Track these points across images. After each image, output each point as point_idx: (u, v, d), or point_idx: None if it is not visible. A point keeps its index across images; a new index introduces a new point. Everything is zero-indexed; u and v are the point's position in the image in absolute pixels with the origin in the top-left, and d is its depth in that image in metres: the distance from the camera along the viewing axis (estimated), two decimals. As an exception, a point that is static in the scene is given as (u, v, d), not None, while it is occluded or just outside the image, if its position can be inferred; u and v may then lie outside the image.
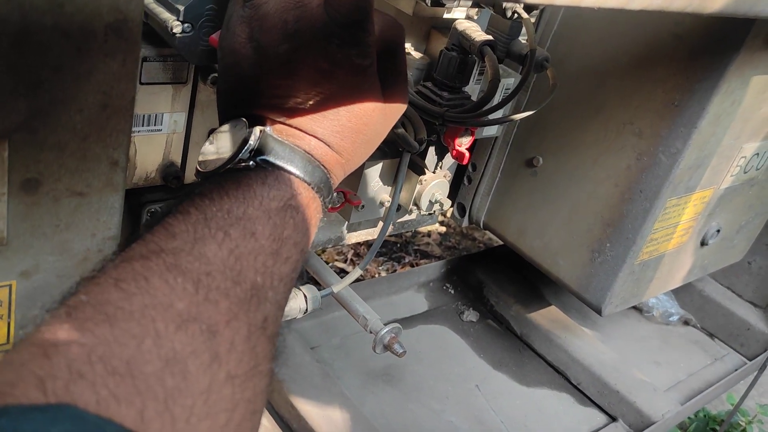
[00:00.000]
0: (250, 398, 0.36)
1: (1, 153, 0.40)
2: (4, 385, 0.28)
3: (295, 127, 0.47)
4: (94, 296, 0.34)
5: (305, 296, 0.74)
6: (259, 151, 0.45)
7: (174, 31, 0.57)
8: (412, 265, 2.14)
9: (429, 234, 2.29)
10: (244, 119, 0.48)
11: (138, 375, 0.31)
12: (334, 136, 0.47)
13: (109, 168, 0.47)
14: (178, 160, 0.72)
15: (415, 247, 2.22)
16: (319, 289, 0.82)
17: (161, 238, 0.38)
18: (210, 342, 0.34)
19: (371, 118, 0.49)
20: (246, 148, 0.45)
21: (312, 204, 0.46)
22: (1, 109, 0.39)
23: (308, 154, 0.47)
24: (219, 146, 0.47)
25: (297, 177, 0.45)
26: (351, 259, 2.11)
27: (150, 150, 0.69)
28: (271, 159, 0.45)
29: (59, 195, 0.45)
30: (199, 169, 0.47)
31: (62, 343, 0.31)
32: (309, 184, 0.46)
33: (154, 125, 0.67)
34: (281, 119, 0.47)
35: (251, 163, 0.45)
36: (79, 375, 0.29)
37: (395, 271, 2.09)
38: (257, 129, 0.46)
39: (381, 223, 0.97)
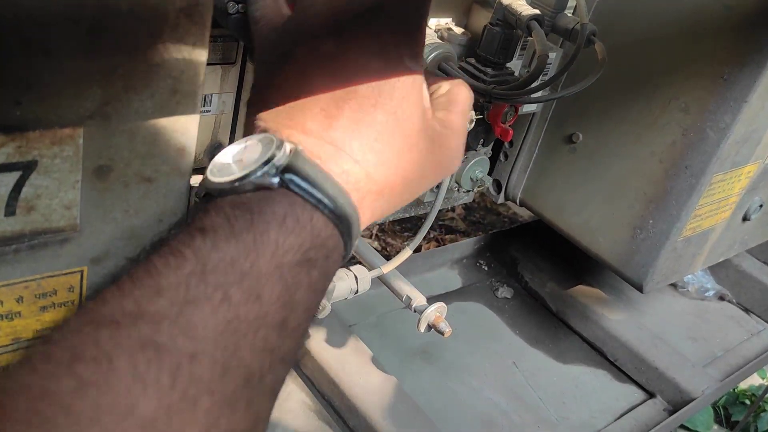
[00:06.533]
0: None
1: (75, 140, 0.40)
2: None
3: (328, 142, 0.40)
4: (40, 377, 0.27)
5: (356, 277, 0.73)
6: (286, 170, 0.37)
7: (230, 11, 0.56)
8: (437, 240, 2.14)
9: (453, 209, 2.29)
10: (271, 135, 0.39)
11: None
12: (371, 154, 0.40)
13: (176, 153, 0.46)
14: (226, 141, 0.71)
15: (440, 223, 2.21)
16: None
17: (144, 294, 0.31)
18: None
19: (416, 145, 0.42)
20: (271, 163, 0.37)
21: (333, 254, 0.38)
22: (76, 97, 0.39)
23: (340, 184, 0.39)
24: (237, 160, 0.39)
25: (322, 213, 0.37)
26: (376, 234, 2.11)
27: (199, 131, 0.68)
28: (297, 180, 0.37)
29: (129, 181, 0.44)
30: (205, 186, 0.38)
31: None
32: (336, 226, 0.38)
33: (204, 106, 0.67)
34: (314, 132, 0.40)
35: (274, 180, 0.36)
36: None
37: (421, 246, 2.09)
38: (287, 145, 0.38)
39: (419, 201, 0.97)
